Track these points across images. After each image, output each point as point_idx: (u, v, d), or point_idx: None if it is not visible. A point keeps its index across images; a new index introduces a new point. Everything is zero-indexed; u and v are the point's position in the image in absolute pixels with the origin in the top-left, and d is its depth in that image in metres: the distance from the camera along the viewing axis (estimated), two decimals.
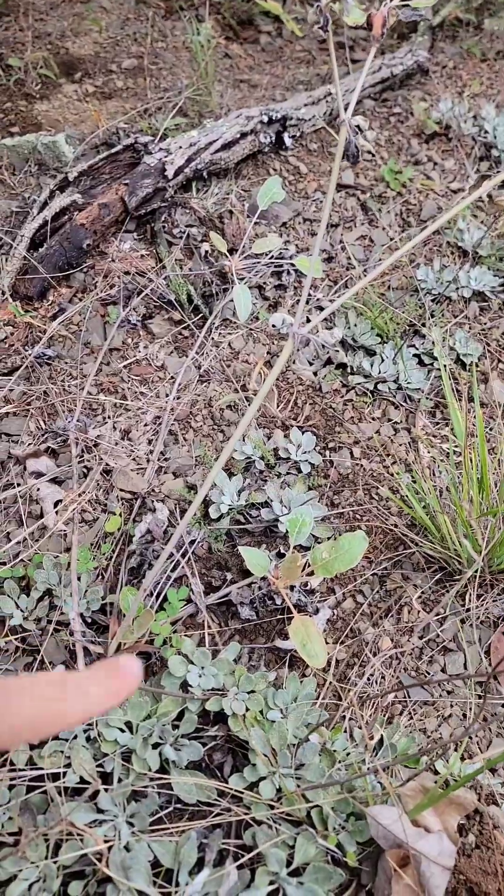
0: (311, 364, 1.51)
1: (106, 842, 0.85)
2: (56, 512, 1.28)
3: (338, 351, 1.43)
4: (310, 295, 1.74)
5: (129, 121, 2.18)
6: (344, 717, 1.07)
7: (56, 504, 1.30)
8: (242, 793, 0.90)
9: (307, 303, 1.71)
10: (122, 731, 0.94)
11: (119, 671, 0.37)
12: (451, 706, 1.12)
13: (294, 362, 1.48)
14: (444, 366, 1.53)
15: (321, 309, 1.71)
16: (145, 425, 1.44)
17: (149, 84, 2.38)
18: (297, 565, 0.98)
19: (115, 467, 1.36)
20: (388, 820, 0.85)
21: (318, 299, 1.71)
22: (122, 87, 2.39)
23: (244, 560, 1.03)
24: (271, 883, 0.84)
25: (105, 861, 0.83)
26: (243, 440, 1.39)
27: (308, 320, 1.65)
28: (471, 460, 1.23)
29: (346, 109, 0.79)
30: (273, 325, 1.61)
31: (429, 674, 1.15)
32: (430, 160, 2.11)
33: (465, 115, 2.17)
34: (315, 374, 1.50)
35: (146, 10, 2.73)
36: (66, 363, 1.52)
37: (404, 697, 1.12)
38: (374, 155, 2.11)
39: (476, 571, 1.19)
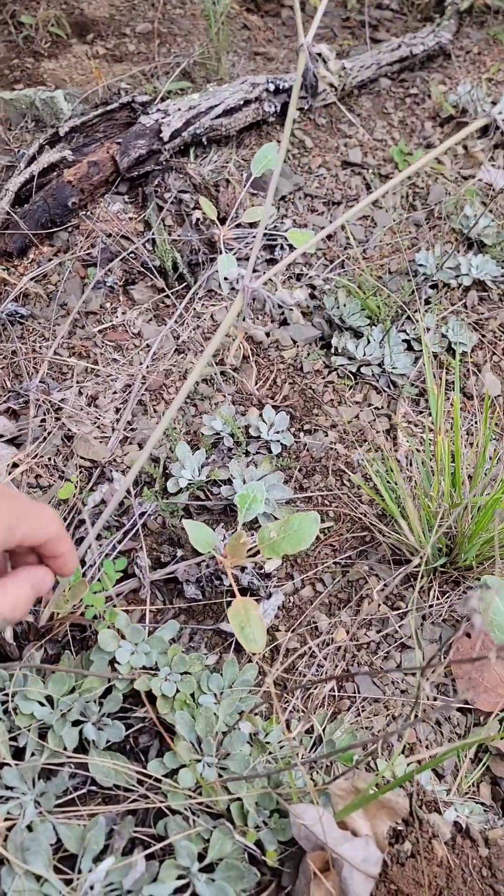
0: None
1: (8, 820, 0.79)
2: (9, 474, 1.23)
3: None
4: (302, 272, 1.67)
5: (133, 82, 2.11)
6: (284, 707, 1.01)
7: (11, 466, 1.24)
8: (161, 780, 0.85)
9: (299, 280, 1.64)
10: (42, 704, 0.89)
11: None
12: (402, 705, 1.06)
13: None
14: (430, 351, 1.45)
15: (313, 287, 1.64)
16: (114, 393, 1.38)
17: (160, 49, 2.30)
18: (242, 543, 0.92)
19: (78, 433, 1.30)
20: (311, 820, 0.78)
21: (310, 277, 1.64)
22: (134, 50, 2.32)
23: None
24: (181, 877, 0.78)
25: (3, 840, 0.77)
26: (213, 416, 1.32)
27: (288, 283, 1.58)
28: (448, 451, 1.16)
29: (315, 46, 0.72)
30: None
31: (382, 670, 1.09)
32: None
33: (483, 99, 2.08)
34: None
35: None
36: (40, 323, 1.46)
37: (353, 693, 1.06)
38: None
39: (436, 566, 1.13)
